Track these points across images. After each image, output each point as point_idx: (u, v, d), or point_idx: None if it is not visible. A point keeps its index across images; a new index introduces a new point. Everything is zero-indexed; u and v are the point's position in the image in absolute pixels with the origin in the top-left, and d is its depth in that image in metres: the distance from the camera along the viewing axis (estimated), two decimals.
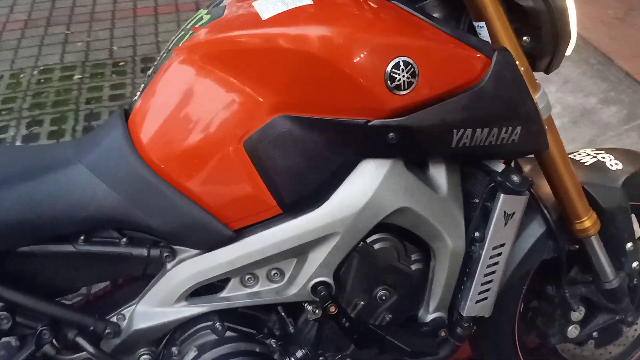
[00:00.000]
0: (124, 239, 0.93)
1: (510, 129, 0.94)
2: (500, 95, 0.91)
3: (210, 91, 0.88)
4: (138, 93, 0.95)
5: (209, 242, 0.94)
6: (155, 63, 0.96)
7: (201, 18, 0.93)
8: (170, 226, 0.92)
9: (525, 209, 1.02)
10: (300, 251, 0.95)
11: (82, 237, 0.92)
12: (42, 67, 2.97)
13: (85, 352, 0.95)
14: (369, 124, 0.87)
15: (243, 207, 0.92)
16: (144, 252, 0.93)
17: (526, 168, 1.20)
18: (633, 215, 1.27)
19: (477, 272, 1.02)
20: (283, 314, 1.03)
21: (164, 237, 0.94)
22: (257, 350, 0.97)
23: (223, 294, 0.98)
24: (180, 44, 0.91)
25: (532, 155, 1.07)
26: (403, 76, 0.85)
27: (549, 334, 1.30)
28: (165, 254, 0.94)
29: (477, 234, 1.02)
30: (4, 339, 0.95)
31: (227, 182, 0.91)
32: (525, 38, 1.02)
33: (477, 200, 1.01)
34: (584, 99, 2.59)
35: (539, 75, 1.05)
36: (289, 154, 0.89)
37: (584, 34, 2.82)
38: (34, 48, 3.14)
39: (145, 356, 0.99)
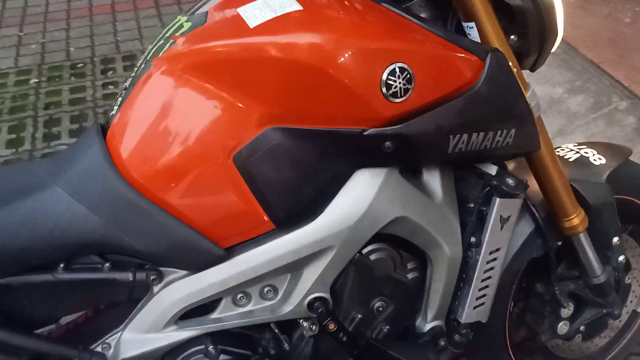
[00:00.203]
0: (107, 264, 0.88)
1: (505, 131, 0.92)
2: (494, 97, 0.89)
3: (195, 104, 0.83)
4: (115, 107, 0.89)
5: (198, 262, 0.89)
6: (133, 74, 0.90)
7: (181, 26, 0.87)
8: (157, 247, 0.86)
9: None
10: (294, 267, 0.91)
11: (61, 265, 0.86)
12: None
13: None
14: (365, 133, 0.84)
15: (234, 224, 0.88)
16: (129, 276, 0.88)
17: (510, 166, 1.19)
18: None
19: (475, 278, 1.00)
20: (277, 331, 0.99)
21: (150, 259, 0.88)
22: None
23: (214, 315, 0.93)
24: (160, 53, 0.86)
25: None
26: (399, 83, 0.81)
27: (540, 331, 1.30)
28: (151, 277, 0.89)
29: (473, 239, 1.00)
30: None
31: (216, 198, 0.86)
32: (512, 37, 1.00)
33: (472, 205, 0.99)
34: (550, 89, 2.62)
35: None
36: (282, 167, 0.85)
37: None
38: None
39: None
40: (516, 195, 0.96)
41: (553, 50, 1.07)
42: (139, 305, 0.91)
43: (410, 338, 1.04)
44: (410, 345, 1.02)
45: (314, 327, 0.94)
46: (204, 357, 0.92)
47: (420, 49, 0.83)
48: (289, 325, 0.99)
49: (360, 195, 0.88)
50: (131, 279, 0.88)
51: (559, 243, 1.21)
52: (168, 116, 0.84)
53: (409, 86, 0.82)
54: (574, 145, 1.32)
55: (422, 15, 0.96)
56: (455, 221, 0.98)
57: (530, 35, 1.00)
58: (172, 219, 0.85)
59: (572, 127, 2.43)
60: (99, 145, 0.87)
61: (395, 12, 0.87)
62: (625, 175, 1.29)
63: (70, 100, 2.63)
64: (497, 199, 0.96)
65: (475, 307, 1.03)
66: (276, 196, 0.86)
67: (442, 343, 1.04)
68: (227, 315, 0.93)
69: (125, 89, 0.89)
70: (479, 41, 0.94)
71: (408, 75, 0.81)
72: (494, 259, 1.01)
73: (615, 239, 1.25)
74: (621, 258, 1.28)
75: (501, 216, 0.97)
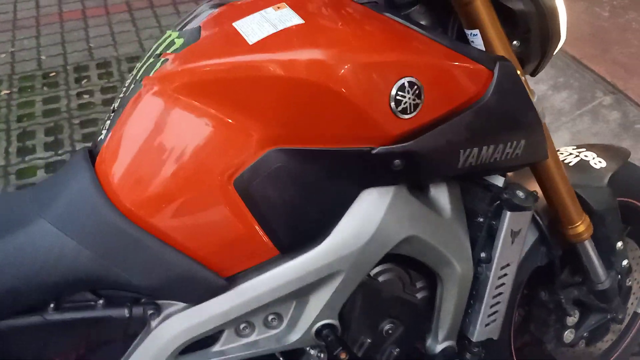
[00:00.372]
0: (101, 301, 0.82)
1: (514, 142, 0.88)
2: (504, 108, 0.86)
3: (191, 127, 0.77)
4: (104, 131, 0.83)
5: (198, 294, 0.83)
6: (121, 95, 0.84)
7: (172, 42, 0.81)
8: (154, 280, 0.80)
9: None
10: (300, 293, 0.86)
11: (52, 305, 0.79)
12: None
13: None
14: (373, 152, 0.79)
15: (235, 252, 0.82)
16: (125, 312, 0.82)
17: (510, 172, 1.16)
18: None
19: (486, 295, 0.97)
20: (281, 359, 0.94)
21: (147, 292, 0.82)
22: None
23: (217, 348, 0.87)
24: (151, 73, 0.80)
25: None
26: (409, 98, 0.77)
27: (545, 340, 1.27)
28: (149, 312, 0.83)
29: (483, 254, 0.96)
30: None
31: (217, 226, 0.80)
32: (514, 42, 0.97)
33: (481, 219, 0.96)
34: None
35: None
36: (286, 190, 0.80)
37: None
38: None
39: None
40: (527, 208, 0.93)
41: (554, 53, 1.04)
42: (136, 341, 0.85)
43: None
44: None
45: (322, 355, 0.90)
46: None
47: (428, 61, 0.79)
48: (295, 354, 0.94)
49: (368, 215, 0.84)
50: (127, 315, 0.82)
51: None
52: (162, 140, 0.78)
53: (419, 101, 0.78)
54: (573, 149, 1.30)
55: (422, 22, 0.92)
56: (464, 237, 0.94)
57: (533, 40, 0.97)
58: (169, 249, 0.80)
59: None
60: (88, 172, 0.81)
61: (398, 21, 0.83)
62: (625, 177, 1.28)
63: (44, 112, 2.53)
64: (508, 213, 0.92)
65: (487, 325, 0.99)
66: (280, 221, 0.81)
67: None
68: (230, 348, 0.87)
69: (114, 110, 0.83)
70: (483, 49, 0.90)
71: (417, 90, 0.77)
72: (505, 275, 0.97)
73: (619, 244, 1.23)
74: (625, 262, 1.26)
75: (512, 230, 0.94)
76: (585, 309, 1.27)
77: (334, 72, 0.74)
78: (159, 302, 0.84)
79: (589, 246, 1.16)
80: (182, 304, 0.84)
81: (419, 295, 0.97)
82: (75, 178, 0.82)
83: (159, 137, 0.78)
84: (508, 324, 1.25)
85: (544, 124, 1.00)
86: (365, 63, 0.75)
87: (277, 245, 0.83)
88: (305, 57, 0.75)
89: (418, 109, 0.78)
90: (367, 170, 0.81)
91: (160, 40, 0.85)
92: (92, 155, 0.84)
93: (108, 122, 0.83)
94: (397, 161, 0.80)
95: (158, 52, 0.82)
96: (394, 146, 0.79)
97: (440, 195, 0.91)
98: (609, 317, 1.30)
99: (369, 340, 0.94)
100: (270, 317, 0.88)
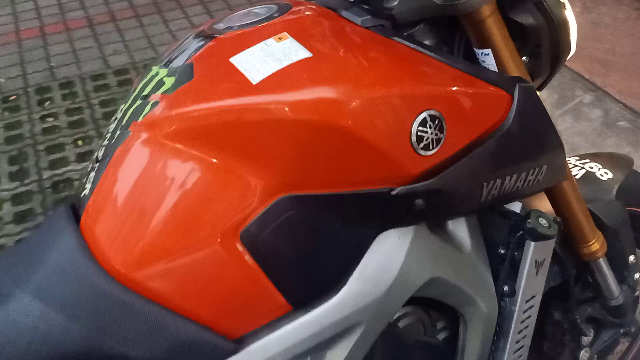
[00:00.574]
0: None
1: (537, 169, 0.82)
2: (527, 134, 0.79)
3: (189, 177, 0.68)
4: (88, 185, 0.73)
5: None
6: (105, 143, 0.74)
7: (162, 82, 0.72)
8: (154, 351, 0.71)
9: None
10: (316, 349, 0.78)
11: None
12: None
13: None
14: (393, 192, 0.72)
15: (244, 311, 0.73)
16: None
17: None
18: None
19: (512, 331, 0.90)
20: None
21: None
22: None
23: None
24: (140, 117, 0.70)
25: None
26: (431, 133, 0.69)
27: None
28: None
29: (506, 288, 0.89)
30: None
31: (223, 284, 0.72)
32: (524, 58, 0.91)
33: (502, 251, 0.89)
34: None
35: None
36: (299, 240, 0.72)
37: None
38: None
39: None
40: (551, 237, 0.86)
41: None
42: None
43: None
44: None
45: None
46: None
47: (449, 90, 0.72)
48: None
49: (388, 260, 0.76)
50: None
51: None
52: (156, 194, 0.69)
53: (441, 135, 0.70)
54: (576, 160, 1.26)
55: (427, 41, 0.85)
56: (487, 272, 0.87)
57: (544, 55, 0.92)
58: (170, 314, 0.70)
59: None
60: (72, 232, 0.71)
61: (409, 46, 0.76)
62: (631, 187, 1.24)
63: (7, 139, 2.39)
64: (532, 244, 0.86)
65: None
66: (293, 274, 0.73)
67: None
68: None
69: (98, 160, 0.74)
70: (495, 68, 0.84)
71: (440, 124, 0.70)
72: (531, 307, 0.91)
73: (632, 258, 1.20)
74: (637, 276, 1.22)
75: (536, 261, 0.88)
76: (599, 325, 1.24)
77: (350, 110, 0.66)
78: None
79: (603, 263, 1.12)
80: None
81: (441, 337, 0.90)
82: (57, 240, 0.72)
83: (153, 191, 0.69)
84: None
85: None
86: (382, 98, 0.67)
87: (289, 301, 0.74)
88: (318, 95, 0.66)
89: (440, 144, 0.71)
90: (386, 212, 0.73)
91: (145, 79, 0.75)
92: (74, 212, 0.74)
93: (92, 174, 0.74)
94: (418, 201, 0.73)
95: (145, 93, 0.73)
96: (415, 185, 0.72)
97: (459, 228, 0.85)
98: (622, 331, 1.27)
99: None
100: None
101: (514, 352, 0.92)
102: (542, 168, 0.83)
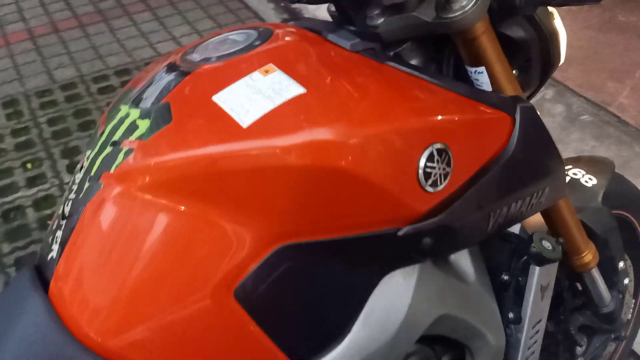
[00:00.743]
0: None
1: (540, 192, 0.78)
2: (530, 156, 0.75)
3: (172, 234, 0.60)
4: (55, 246, 0.64)
5: None
6: (72, 196, 0.65)
7: (134, 125, 0.63)
8: None
9: None
10: None
11: None
12: None
13: None
14: (399, 233, 0.66)
15: None
16: None
17: None
18: None
19: (519, 358, 0.86)
20: None
21: None
22: None
23: None
24: (112, 168, 0.62)
25: None
26: (439, 168, 0.64)
27: None
28: None
29: (511, 315, 0.85)
30: None
31: (216, 347, 0.64)
32: (514, 72, 0.87)
33: (506, 277, 0.85)
34: None
35: None
36: (299, 292, 0.65)
37: None
38: None
39: None
40: (557, 259, 0.83)
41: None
42: None
43: None
44: None
45: None
46: None
47: (453, 119, 0.66)
48: None
49: (394, 303, 0.70)
50: None
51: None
52: (134, 254, 0.61)
53: (449, 169, 0.65)
54: None
55: (413, 61, 0.80)
56: (492, 301, 0.83)
57: (534, 68, 0.88)
58: None
59: None
60: (39, 299, 0.62)
61: (405, 71, 0.70)
62: (615, 191, 1.22)
63: None
64: (537, 269, 0.82)
65: None
66: (294, 329, 0.67)
67: None
68: None
69: (65, 217, 0.65)
70: (489, 87, 0.79)
71: (447, 157, 0.64)
72: (537, 332, 0.87)
73: (621, 264, 1.19)
74: (626, 281, 1.22)
75: (541, 285, 0.84)
76: (591, 333, 1.22)
77: (350, 150, 0.60)
78: None
79: (595, 273, 1.10)
80: None
81: None
82: (23, 309, 0.63)
83: (130, 251, 0.61)
84: None
85: None
86: (386, 134, 0.61)
87: (291, 356, 0.68)
88: (319, 137, 0.59)
89: (448, 179, 0.65)
90: (392, 253, 0.68)
91: (114, 121, 0.66)
92: (40, 276, 0.65)
93: (59, 232, 0.65)
94: (426, 239, 0.67)
95: (116, 138, 0.64)
96: (422, 224, 0.66)
97: (461, 257, 0.80)
98: (612, 336, 1.25)
99: None
100: None
101: None
102: (545, 190, 0.79)
